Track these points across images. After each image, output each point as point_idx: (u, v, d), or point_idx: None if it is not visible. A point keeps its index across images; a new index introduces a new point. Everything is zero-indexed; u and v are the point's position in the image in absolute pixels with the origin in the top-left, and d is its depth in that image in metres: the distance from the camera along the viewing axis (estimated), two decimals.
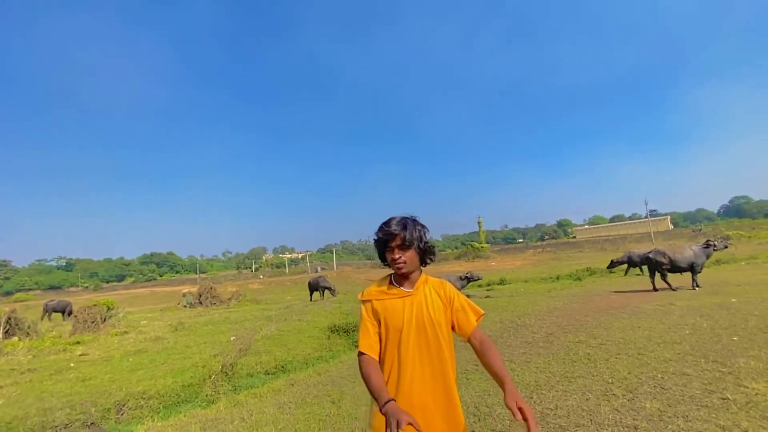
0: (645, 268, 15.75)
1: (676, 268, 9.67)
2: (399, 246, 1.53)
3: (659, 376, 3.75)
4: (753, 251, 22.06)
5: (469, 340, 1.56)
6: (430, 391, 1.47)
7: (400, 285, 1.58)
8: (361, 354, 1.51)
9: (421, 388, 1.47)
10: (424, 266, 1.65)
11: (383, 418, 1.27)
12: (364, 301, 1.60)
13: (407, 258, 1.53)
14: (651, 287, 9.97)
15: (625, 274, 15.74)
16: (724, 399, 3.08)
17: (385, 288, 1.59)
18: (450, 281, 12.53)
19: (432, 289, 1.59)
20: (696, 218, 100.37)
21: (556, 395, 3.55)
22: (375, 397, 1.35)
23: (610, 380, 3.77)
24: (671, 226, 77.71)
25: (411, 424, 1.19)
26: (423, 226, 1.61)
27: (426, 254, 1.61)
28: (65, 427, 4.68)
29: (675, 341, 4.89)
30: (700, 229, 54.33)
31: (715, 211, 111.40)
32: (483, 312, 1.61)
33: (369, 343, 1.52)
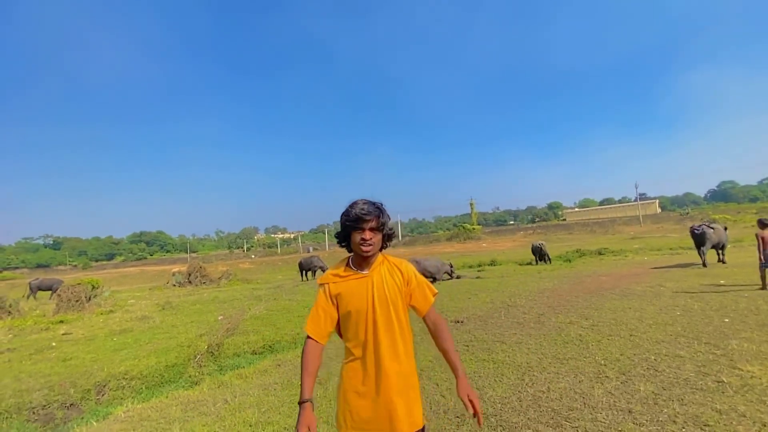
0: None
1: (716, 245, 10.77)
2: (372, 228, 1.55)
3: (652, 357, 3.69)
4: (738, 235, 22.43)
5: (424, 318, 1.63)
6: (397, 369, 1.52)
7: (359, 268, 1.60)
8: (308, 338, 1.55)
9: (393, 366, 1.54)
10: (381, 251, 1.69)
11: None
12: (321, 285, 1.62)
13: (376, 241, 1.56)
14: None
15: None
16: (719, 382, 3.02)
17: (341, 271, 1.61)
18: (436, 264, 12.26)
19: (388, 269, 1.62)
20: (683, 202, 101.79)
21: (548, 377, 3.47)
22: (301, 386, 1.47)
23: (602, 362, 3.70)
24: (659, 210, 78.70)
25: None
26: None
27: (388, 239, 1.65)
28: (42, 409, 4.52)
29: (667, 322, 4.85)
30: (688, 213, 55.00)
31: (703, 196, 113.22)
32: (437, 291, 1.68)
33: (318, 329, 1.55)
